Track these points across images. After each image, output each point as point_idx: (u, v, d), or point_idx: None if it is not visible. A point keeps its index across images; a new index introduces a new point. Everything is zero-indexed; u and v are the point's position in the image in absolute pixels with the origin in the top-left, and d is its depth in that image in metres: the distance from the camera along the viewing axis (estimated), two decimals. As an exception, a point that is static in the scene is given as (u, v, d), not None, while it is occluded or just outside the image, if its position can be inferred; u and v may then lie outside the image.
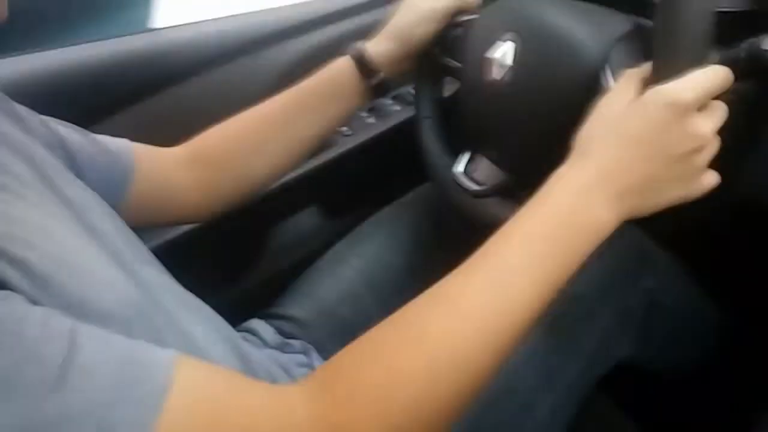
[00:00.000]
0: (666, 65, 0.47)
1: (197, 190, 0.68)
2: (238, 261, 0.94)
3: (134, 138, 0.65)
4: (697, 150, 0.45)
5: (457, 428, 0.43)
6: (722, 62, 0.56)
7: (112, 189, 0.59)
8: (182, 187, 0.67)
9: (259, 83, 0.89)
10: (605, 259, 0.67)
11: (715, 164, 0.56)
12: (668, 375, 0.84)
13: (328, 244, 0.80)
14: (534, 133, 0.60)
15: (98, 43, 0.82)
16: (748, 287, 0.80)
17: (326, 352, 0.70)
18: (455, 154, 0.72)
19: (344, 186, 0.98)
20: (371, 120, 0.98)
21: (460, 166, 0.70)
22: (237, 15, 0.93)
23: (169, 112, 0.85)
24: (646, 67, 0.49)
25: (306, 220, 0.99)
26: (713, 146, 0.46)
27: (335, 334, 0.71)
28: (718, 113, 0.47)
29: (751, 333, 0.82)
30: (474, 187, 0.68)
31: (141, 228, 0.56)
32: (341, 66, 0.71)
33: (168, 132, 0.69)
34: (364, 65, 0.71)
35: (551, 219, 0.45)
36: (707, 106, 0.46)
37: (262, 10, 0.95)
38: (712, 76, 0.46)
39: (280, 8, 0.96)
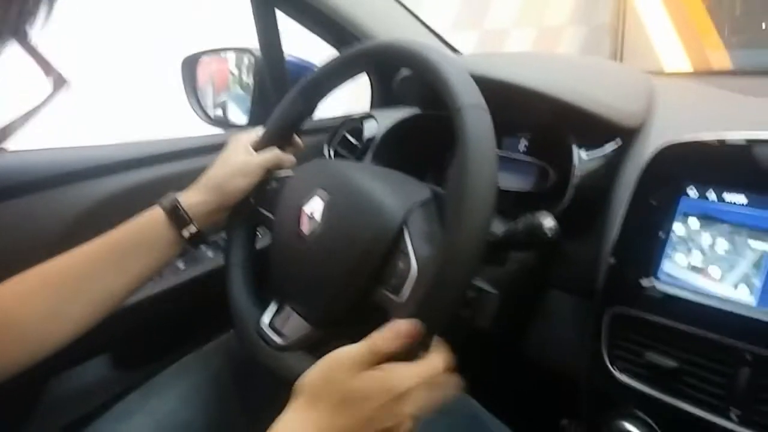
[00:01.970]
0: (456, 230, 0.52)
1: None
2: (14, 415, 0.81)
3: None
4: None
5: None
6: (504, 233, 0.65)
7: None
8: None
9: (68, 218, 0.84)
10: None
11: (504, 330, 0.63)
12: None
13: (117, 398, 0.73)
14: (339, 288, 0.62)
15: None
16: None
17: None
18: (263, 305, 0.72)
19: (143, 333, 0.92)
20: (180, 265, 0.95)
21: (266, 318, 0.70)
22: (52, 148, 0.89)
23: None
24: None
25: (94, 371, 0.90)
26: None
27: None
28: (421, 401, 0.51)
29: None
30: (278, 339, 0.67)
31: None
32: (152, 218, 0.70)
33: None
34: (177, 217, 0.70)
35: None
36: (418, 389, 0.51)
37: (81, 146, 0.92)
38: (435, 365, 0.52)
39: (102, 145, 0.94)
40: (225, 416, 0.73)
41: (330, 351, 0.62)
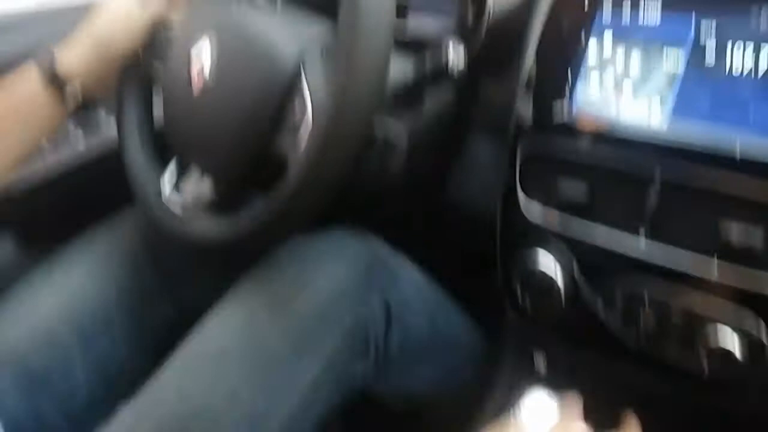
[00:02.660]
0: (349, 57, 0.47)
1: None
2: None
3: None
4: None
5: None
6: (413, 76, 0.60)
7: None
8: None
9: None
10: (335, 273, 0.64)
11: (424, 174, 0.60)
12: (416, 402, 0.83)
13: (18, 276, 0.69)
14: (235, 139, 0.58)
15: None
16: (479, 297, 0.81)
17: (9, 410, 0.59)
18: (163, 169, 0.67)
19: (42, 207, 0.86)
20: (78, 132, 0.88)
21: (166, 180, 0.65)
22: None
23: None
24: None
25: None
26: None
27: (23, 385, 0.61)
28: None
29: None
30: (180, 202, 0.63)
31: None
32: (26, 77, 0.62)
33: None
34: (54, 75, 0.63)
35: None
36: None
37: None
38: None
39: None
40: (137, 285, 0.70)
41: (234, 209, 0.59)
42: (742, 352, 0.49)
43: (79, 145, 0.86)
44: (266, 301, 0.62)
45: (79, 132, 0.87)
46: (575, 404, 0.58)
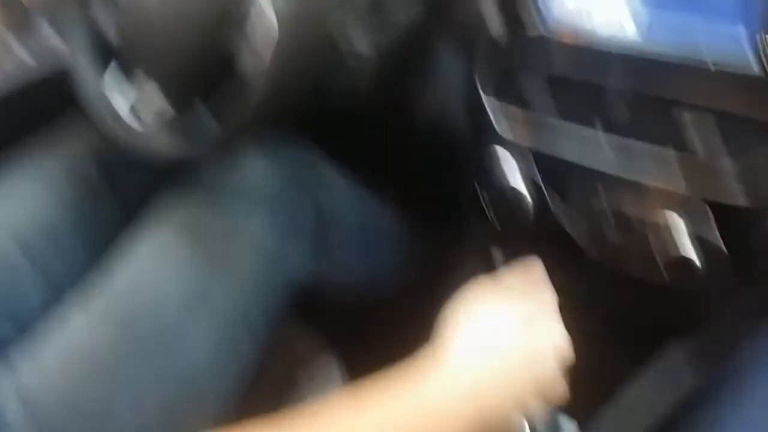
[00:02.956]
0: None
1: None
2: None
3: None
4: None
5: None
6: None
7: None
8: None
9: None
10: (264, 171, 0.66)
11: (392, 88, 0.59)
12: (360, 296, 0.86)
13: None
14: (190, 44, 0.55)
15: None
16: (429, 204, 0.84)
17: None
18: (116, 85, 0.63)
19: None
20: (25, 55, 0.82)
21: (119, 96, 0.62)
22: None
23: None
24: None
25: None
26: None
27: None
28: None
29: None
30: (135, 118, 0.60)
31: None
32: None
33: None
34: None
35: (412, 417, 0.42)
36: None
37: None
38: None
39: None
40: (87, 200, 0.68)
41: (193, 123, 0.57)
42: (699, 256, 0.51)
43: (22, 59, 0.81)
44: (201, 201, 0.64)
45: (22, 47, 0.82)
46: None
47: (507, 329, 0.47)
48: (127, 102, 0.62)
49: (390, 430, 0.40)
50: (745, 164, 0.48)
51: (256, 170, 0.66)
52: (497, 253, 0.68)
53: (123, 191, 0.71)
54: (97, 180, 0.69)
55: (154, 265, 0.61)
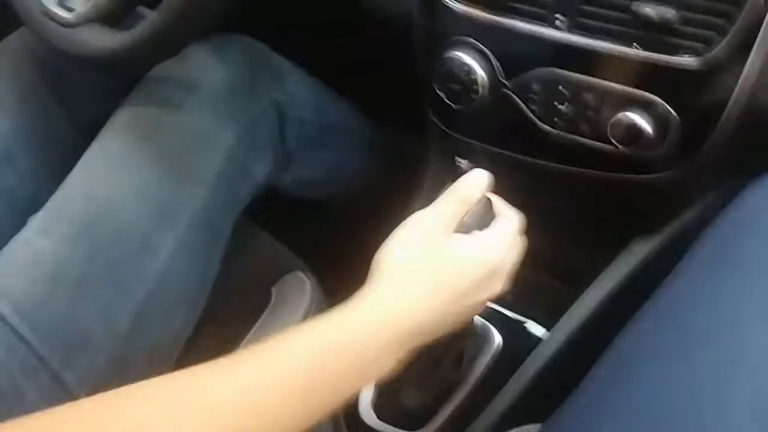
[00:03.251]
0: None
1: None
2: None
3: None
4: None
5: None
6: None
7: None
8: None
9: None
10: (222, 73, 0.64)
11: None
12: (324, 198, 0.86)
13: None
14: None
15: None
16: (389, 101, 0.82)
17: None
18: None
19: None
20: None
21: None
22: None
23: None
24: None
25: None
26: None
27: None
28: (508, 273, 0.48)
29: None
30: (66, 15, 0.57)
31: None
32: None
33: None
34: None
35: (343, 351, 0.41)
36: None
37: None
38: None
39: None
40: (35, 113, 0.66)
41: (128, 12, 0.54)
42: (648, 121, 0.51)
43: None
44: (161, 102, 0.63)
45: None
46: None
47: (435, 254, 0.46)
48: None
49: (315, 356, 0.40)
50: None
51: (201, 64, 0.64)
52: (462, 163, 0.67)
53: (78, 113, 0.69)
54: (48, 101, 0.67)
55: (108, 170, 0.59)
